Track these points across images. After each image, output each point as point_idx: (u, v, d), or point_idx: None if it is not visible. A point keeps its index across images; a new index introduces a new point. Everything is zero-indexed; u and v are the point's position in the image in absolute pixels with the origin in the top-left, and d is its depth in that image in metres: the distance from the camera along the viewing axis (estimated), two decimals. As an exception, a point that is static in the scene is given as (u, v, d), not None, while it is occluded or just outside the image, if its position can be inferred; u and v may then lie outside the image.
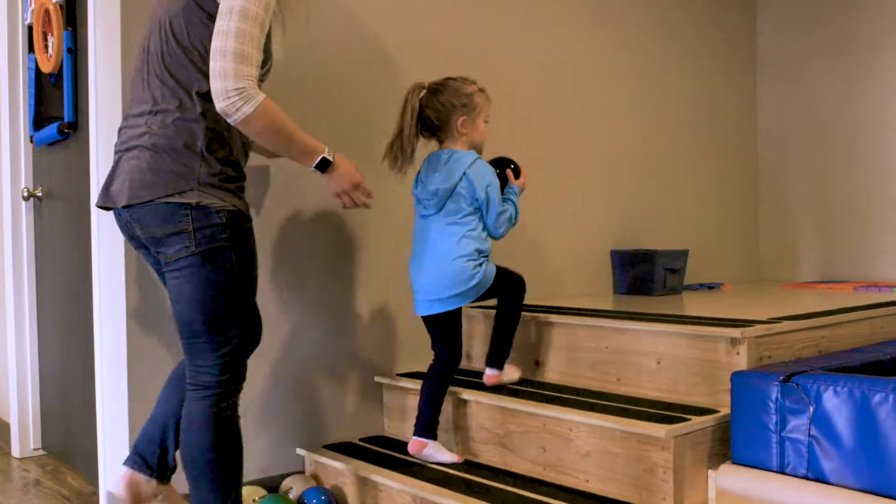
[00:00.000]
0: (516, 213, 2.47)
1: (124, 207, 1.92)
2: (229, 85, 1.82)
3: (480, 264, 2.37)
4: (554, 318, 2.66)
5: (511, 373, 2.60)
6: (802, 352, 2.37)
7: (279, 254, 2.56)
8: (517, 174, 2.52)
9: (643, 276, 3.27)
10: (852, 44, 3.68)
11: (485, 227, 2.42)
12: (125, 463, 2.13)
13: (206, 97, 1.89)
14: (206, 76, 1.88)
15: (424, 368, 2.49)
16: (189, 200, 1.88)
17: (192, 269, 1.90)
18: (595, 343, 2.55)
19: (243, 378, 2.01)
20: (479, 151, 2.45)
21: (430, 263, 2.38)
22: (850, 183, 3.74)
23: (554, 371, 2.67)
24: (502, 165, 2.51)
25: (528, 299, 2.62)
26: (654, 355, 2.40)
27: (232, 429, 1.96)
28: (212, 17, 1.90)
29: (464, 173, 2.36)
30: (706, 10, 3.83)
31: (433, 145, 2.45)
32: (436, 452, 2.40)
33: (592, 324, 2.55)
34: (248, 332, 2.01)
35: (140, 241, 1.99)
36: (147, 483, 2.12)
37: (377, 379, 2.73)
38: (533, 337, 2.72)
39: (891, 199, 3.59)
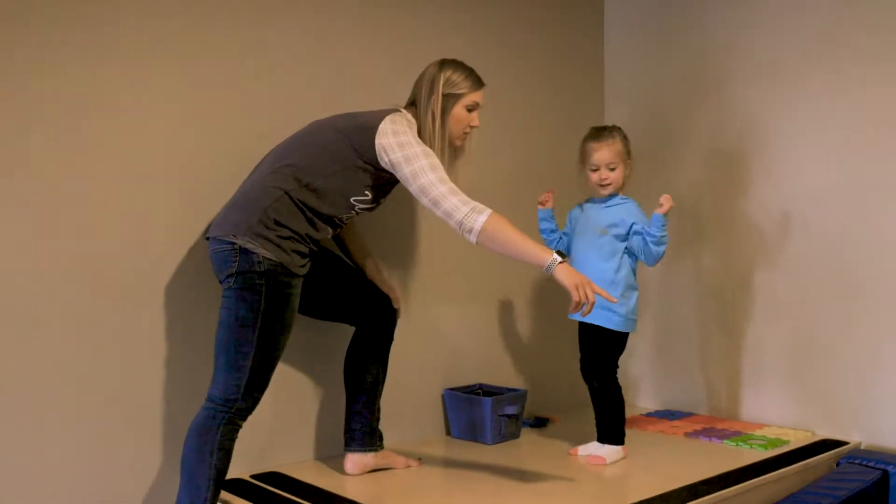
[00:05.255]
0: None
1: (207, 238, 2.44)
2: (465, 210, 2.33)
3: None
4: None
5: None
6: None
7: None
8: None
9: (476, 421, 3.13)
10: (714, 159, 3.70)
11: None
12: (344, 448, 2.73)
13: (306, 186, 2.40)
14: (325, 176, 2.42)
15: None
16: (239, 242, 2.31)
17: (229, 301, 2.32)
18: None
19: (247, 411, 2.34)
20: None
21: None
22: (695, 302, 3.68)
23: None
24: None
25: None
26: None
27: (213, 447, 2.27)
28: (353, 148, 2.44)
29: None
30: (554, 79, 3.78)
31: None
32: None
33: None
34: (263, 376, 2.33)
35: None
36: (364, 456, 2.71)
37: None
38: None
39: (734, 326, 3.56)
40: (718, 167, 3.56)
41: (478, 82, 2.62)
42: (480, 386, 3.33)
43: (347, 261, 2.84)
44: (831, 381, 3.23)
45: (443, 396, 3.27)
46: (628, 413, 3.61)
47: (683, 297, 3.68)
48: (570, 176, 3.45)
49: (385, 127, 2.46)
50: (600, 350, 2.87)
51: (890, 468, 2.84)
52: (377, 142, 2.44)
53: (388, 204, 3.05)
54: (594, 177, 2.87)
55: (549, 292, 3.67)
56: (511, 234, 2.33)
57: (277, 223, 2.37)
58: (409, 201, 3.12)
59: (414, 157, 2.40)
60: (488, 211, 2.34)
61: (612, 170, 2.84)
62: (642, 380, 3.85)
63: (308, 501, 2.46)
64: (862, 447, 3.12)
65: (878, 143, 3.10)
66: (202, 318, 2.61)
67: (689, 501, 2.43)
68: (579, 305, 2.33)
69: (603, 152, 2.84)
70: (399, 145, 2.42)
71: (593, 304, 2.33)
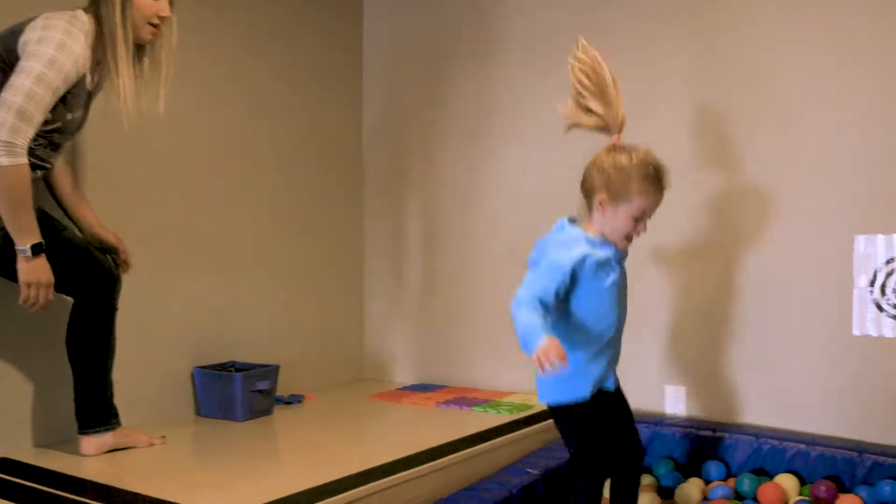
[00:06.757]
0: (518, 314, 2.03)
1: None
2: (2, 135, 2.04)
3: None
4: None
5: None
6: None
7: None
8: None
9: (227, 398, 3.06)
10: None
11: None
12: (78, 430, 2.53)
13: None
14: None
15: None
16: None
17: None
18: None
19: None
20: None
21: None
22: (451, 275, 3.76)
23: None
24: None
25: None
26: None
27: None
28: (3, 59, 2.13)
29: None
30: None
31: None
32: None
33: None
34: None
35: None
36: (101, 436, 2.54)
37: None
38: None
39: (487, 300, 3.64)
40: (455, 139, 3.69)
41: None
42: (233, 363, 3.26)
43: (61, 219, 2.54)
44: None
45: (192, 375, 3.18)
46: (384, 388, 3.69)
47: (444, 277, 3.79)
48: (326, 159, 3.49)
49: (36, 23, 2.16)
50: None
51: (620, 425, 3.05)
52: (20, 39, 2.14)
53: (136, 173, 2.93)
54: (632, 226, 2.09)
55: (307, 267, 3.66)
56: (21, 193, 2.11)
57: None
58: (152, 157, 3.00)
59: (37, 56, 2.09)
60: (21, 161, 2.09)
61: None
62: (398, 356, 3.92)
63: (42, 486, 2.29)
64: (597, 408, 3.33)
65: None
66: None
67: (431, 461, 2.51)
68: (26, 303, 2.27)
69: (660, 200, 2.11)
70: (38, 41, 2.11)
71: (42, 305, 2.28)
